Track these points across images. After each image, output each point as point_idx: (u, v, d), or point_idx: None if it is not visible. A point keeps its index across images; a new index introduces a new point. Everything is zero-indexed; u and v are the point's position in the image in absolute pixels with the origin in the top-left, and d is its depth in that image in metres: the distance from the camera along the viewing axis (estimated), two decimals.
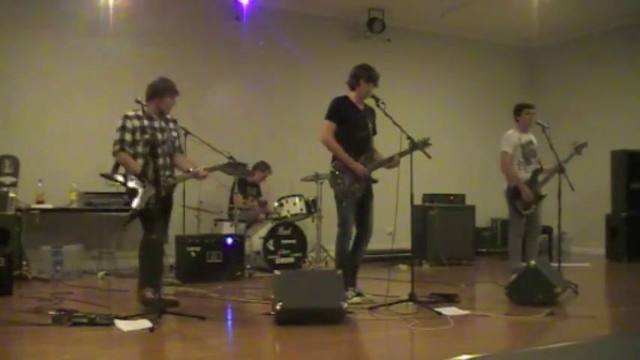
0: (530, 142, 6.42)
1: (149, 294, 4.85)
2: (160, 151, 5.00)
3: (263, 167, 8.03)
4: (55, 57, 7.48)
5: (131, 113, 5.04)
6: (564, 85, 10.25)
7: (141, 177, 4.94)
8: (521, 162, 6.38)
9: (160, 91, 5.10)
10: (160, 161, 4.98)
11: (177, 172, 5.29)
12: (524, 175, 6.34)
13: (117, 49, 7.77)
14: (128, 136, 4.96)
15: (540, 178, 6.34)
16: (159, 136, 5.02)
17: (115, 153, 4.97)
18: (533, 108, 6.49)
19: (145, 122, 5.03)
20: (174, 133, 5.23)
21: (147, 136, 4.89)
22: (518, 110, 6.47)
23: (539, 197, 6.35)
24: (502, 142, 6.42)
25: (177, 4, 8.18)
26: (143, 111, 5.00)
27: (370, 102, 5.38)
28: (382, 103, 5.12)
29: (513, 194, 6.30)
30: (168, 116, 5.24)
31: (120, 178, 5.06)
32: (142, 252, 5.02)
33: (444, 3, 8.80)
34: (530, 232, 6.41)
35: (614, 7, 8.95)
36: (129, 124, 4.98)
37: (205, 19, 8.36)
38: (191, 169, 5.14)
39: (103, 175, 5.34)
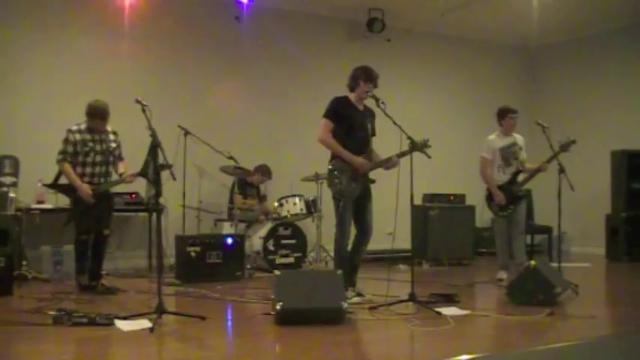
0: (512, 145, 6.62)
1: (84, 280, 5.76)
2: (99, 159, 5.81)
3: (263, 171, 8.01)
4: (55, 57, 7.47)
5: (74, 127, 5.80)
6: (564, 85, 10.26)
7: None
8: (500, 165, 6.61)
9: (90, 114, 5.80)
10: (97, 169, 5.83)
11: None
12: (504, 177, 6.55)
13: (117, 50, 7.78)
14: (70, 148, 5.75)
15: (520, 178, 6.56)
16: (96, 148, 5.81)
17: (58, 162, 5.77)
18: (516, 113, 6.68)
19: (86, 136, 5.79)
20: (114, 144, 5.95)
21: (86, 148, 5.75)
22: (503, 114, 6.65)
23: (518, 198, 6.51)
24: (481, 148, 6.70)
25: (177, 4, 8.18)
26: (88, 126, 5.81)
27: (370, 103, 5.38)
28: (382, 103, 5.11)
29: (489, 196, 6.60)
30: (109, 128, 5.94)
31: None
32: (76, 250, 5.84)
33: (444, 3, 8.80)
34: (513, 231, 6.61)
35: (614, 7, 8.95)
36: (71, 137, 5.75)
37: (205, 19, 8.36)
38: (121, 176, 5.90)
39: (45, 185, 6.16)
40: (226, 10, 8.32)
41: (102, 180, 5.87)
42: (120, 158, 6.00)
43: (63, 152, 5.75)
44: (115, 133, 6.00)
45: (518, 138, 6.68)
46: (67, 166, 5.73)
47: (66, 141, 5.74)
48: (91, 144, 5.77)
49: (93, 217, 5.80)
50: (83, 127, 5.81)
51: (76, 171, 5.75)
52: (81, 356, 3.71)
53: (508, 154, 6.59)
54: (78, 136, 5.76)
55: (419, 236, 7.90)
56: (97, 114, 5.76)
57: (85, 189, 5.69)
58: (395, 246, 6.24)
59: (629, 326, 4.66)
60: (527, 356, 3.78)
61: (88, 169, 5.80)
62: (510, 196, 6.49)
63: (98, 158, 5.83)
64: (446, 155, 8.81)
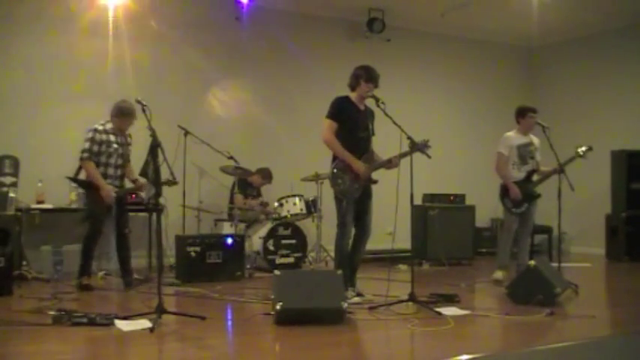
0: (529, 144, 6.57)
1: (85, 281, 5.80)
2: (120, 161, 5.90)
3: (264, 174, 8.00)
4: (56, 57, 7.47)
5: (100, 127, 5.83)
6: (564, 85, 10.26)
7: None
8: (515, 162, 6.56)
9: (122, 114, 5.83)
10: (118, 171, 5.92)
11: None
12: (519, 174, 6.50)
13: (117, 49, 7.78)
14: (95, 147, 5.78)
15: (535, 178, 6.52)
16: (119, 150, 5.88)
17: (82, 159, 5.79)
18: (536, 112, 6.63)
19: (111, 137, 5.85)
20: (130, 147, 6.08)
21: (110, 149, 5.80)
22: (523, 113, 6.58)
23: (533, 197, 6.48)
24: (499, 144, 6.62)
25: (177, 4, 8.18)
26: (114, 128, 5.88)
27: (370, 103, 5.38)
28: (382, 103, 5.12)
29: (504, 192, 6.52)
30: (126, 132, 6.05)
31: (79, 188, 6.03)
32: (85, 246, 5.85)
33: (444, 3, 8.80)
34: (522, 230, 6.57)
35: (614, 7, 8.95)
36: (97, 137, 5.78)
37: (205, 19, 8.35)
38: (136, 182, 6.07)
39: (68, 178, 6.16)
40: (226, 10, 8.33)
41: (117, 182, 5.96)
42: (127, 159, 6.09)
43: (89, 150, 5.75)
44: (130, 135, 6.07)
45: (535, 140, 6.63)
46: (93, 165, 5.75)
47: (92, 140, 5.76)
48: (115, 145, 5.85)
49: (104, 219, 5.86)
50: (108, 127, 5.86)
51: (99, 171, 5.80)
52: (81, 356, 3.70)
53: (525, 153, 6.53)
54: (104, 137, 5.80)
55: (419, 236, 7.90)
56: (131, 113, 5.79)
57: (109, 190, 5.75)
58: (395, 246, 6.25)
59: (629, 326, 4.66)
60: (527, 356, 3.78)
61: (111, 170, 5.87)
62: (525, 194, 6.45)
63: (119, 161, 5.93)
64: (446, 155, 8.81)
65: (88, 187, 5.85)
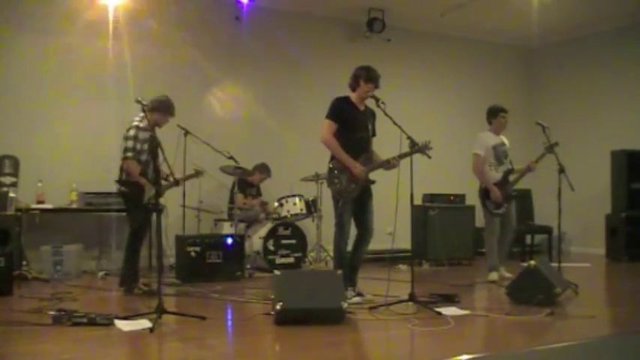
0: (502, 144, 6.63)
1: (137, 291, 5.55)
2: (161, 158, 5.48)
3: (262, 169, 8.02)
4: (55, 57, 7.47)
5: (141, 125, 5.56)
6: (564, 85, 10.26)
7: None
8: (492, 163, 6.59)
9: (163, 110, 5.67)
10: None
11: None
12: (496, 175, 6.54)
13: (117, 50, 7.77)
14: (138, 146, 5.54)
15: (511, 178, 6.58)
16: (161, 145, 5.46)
17: (126, 159, 5.53)
18: (507, 112, 6.69)
19: (151, 133, 5.46)
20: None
21: (154, 145, 5.36)
22: (494, 113, 6.64)
23: (510, 197, 6.50)
24: (474, 144, 6.65)
25: (177, 4, 8.18)
26: (149, 123, 5.41)
27: (370, 103, 5.38)
28: (382, 103, 5.12)
29: (484, 195, 6.54)
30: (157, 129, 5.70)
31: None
32: (134, 251, 5.71)
33: (444, 3, 8.80)
34: (504, 230, 6.59)
35: (614, 7, 8.95)
36: (141, 135, 5.53)
37: (205, 19, 8.35)
38: (171, 179, 5.82)
39: (117, 181, 5.80)
40: (226, 10, 8.33)
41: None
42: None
43: (132, 149, 5.50)
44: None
45: (505, 140, 6.71)
46: (135, 164, 5.51)
47: (135, 138, 5.51)
48: (156, 141, 5.42)
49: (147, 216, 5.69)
50: (144, 124, 5.55)
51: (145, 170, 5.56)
52: (81, 356, 3.70)
53: (500, 153, 6.58)
54: (146, 135, 5.47)
55: (419, 236, 7.89)
56: (172, 110, 5.65)
57: (151, 186, 5.44)
58: (395, 246, 6.24)
59: (629, 326, 4.66)
60: (527, 356, 3.78)
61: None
62: (505, 195, 6.48)
63: (161, 157, 5.59)
64: (446, 155, 8.79)
65: (133, 187, 5.57)
